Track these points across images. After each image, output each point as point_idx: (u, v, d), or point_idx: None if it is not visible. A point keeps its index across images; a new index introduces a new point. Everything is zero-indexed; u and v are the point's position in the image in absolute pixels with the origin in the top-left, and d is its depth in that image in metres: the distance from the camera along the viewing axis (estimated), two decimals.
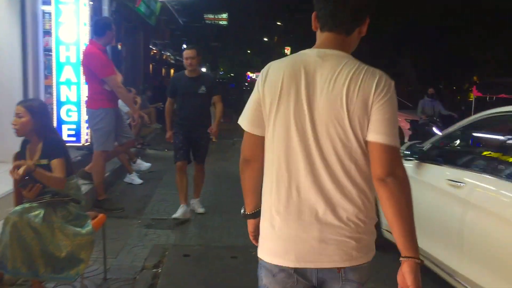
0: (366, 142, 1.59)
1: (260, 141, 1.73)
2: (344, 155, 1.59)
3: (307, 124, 1.60)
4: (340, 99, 1.57)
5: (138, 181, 7.45)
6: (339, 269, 1.63)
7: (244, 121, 1.75)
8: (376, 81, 1.58)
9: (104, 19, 5.94)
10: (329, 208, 1.60)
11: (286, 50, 51.34)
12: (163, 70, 25.84)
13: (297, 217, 1.63)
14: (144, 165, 8.20)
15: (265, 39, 56.63)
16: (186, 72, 5.71)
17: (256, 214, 1.87)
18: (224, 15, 32.04)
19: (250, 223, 1.93)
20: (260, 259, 1.76)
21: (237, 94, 33.13)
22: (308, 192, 1.62)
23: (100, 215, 3.89)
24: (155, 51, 21.74)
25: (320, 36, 1.71)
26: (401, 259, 1.58)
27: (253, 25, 45.21)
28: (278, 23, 47.64)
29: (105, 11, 9.83)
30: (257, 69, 75.79)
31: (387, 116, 1.56)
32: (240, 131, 1.81)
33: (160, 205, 6.55)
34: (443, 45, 24.86)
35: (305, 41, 38.21)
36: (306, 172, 1.61)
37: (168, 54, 26.67)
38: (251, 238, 1.97)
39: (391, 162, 1.56)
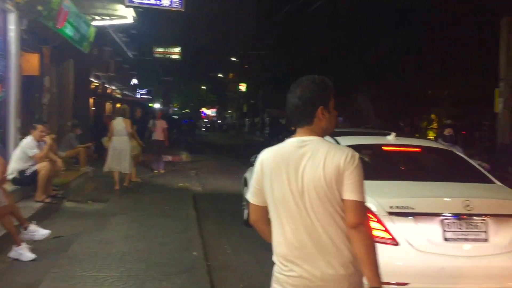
0: (342, 200, 2.06)
1: (262, 209, 2.25)
2: (325, 212, 2.07)
3: (298, 191, 2.09)
4: (319, 173, 2.06)
5: (28, 256, 5.20)
6: None
7: (249, 193, 2.30)
8: (344, 154, 2.07)
9: None
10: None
11: (241, 87, 50.12)
12: (108, 105, 23.53)
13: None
14: (39, 232, 5.87)
15: (220, 75, 55.27)
16: None
17: None
18: (177, 49, 30.16)
19: None
20: None
21: (188, 131, 31.11)
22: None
23: None
24: (96, 84, 19.49)
25: (296, 129, 2.21)
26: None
27: (207, 60, 43.75)
28: (233, 59, 46.39)
29: (11, 31, 7.72)
30: (212, 105, 74.28)
31: (357, 180, 2.04)
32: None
33: None
34: (401, 82, 24.13)
35: (260, 77, 36.63)
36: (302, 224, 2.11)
37: (114, 88, 24.41)
38: None
39: (359, 214, 2.03)
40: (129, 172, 9.89)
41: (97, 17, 11.85)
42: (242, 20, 38.88)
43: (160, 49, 29.48)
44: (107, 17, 11.97)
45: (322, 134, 2.18)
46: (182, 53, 31.23)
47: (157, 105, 39.49)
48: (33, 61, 9.32)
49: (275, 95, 35.66)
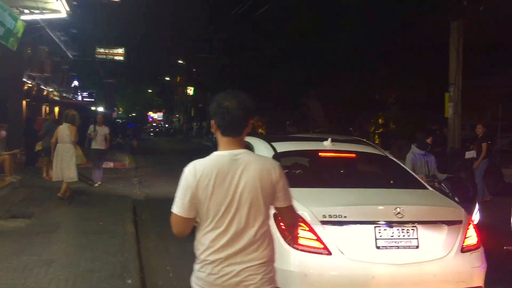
0: (275, 208, 2.48)
1: (190, 221, 2.38)
2: (261, 219, 2.38)
3: (235, 201, 2.33)
4: (255, 185, 2.34)
5: None
6: None
7: (179, 208, 2.35)
8: (274, 167, 2.40)
9: None
10: None
11: (188, 90, 49.02)
12: (46, 108, 21.91)
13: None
14: None
15: (167, 78, 53.85)
16: None
17: None
18: (120, 50, 28.80)
19: None
20: None
21: (134, 135, 29.80)
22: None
23: None
24: (30, 85, 17.99)
25: (223, 140, 2.39)
26: None
27: (154, 63, 42.37)
28: (181, 62, 45.15)
29: None
30: (159, 109, 72.43)
31: (286, 189, 2.44)
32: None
33: None
34: (350, 87, 24.03)
35: (208, 81, 35.37)
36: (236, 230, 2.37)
37: (51, 90, 22.79)
38: None
39: (295, 216, 2.60)
40: (74, 180, 9.46)
41: (25, 10, 10.63)
42: (190, 22, 37.89)
43: (102, 50, 27.96)
44: (37, 11, 10.76)
45: (243, 145, 2.43)
46: (126, 55, 29.84)
47: (100, 109, 37.65)
48: None
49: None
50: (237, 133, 2.37)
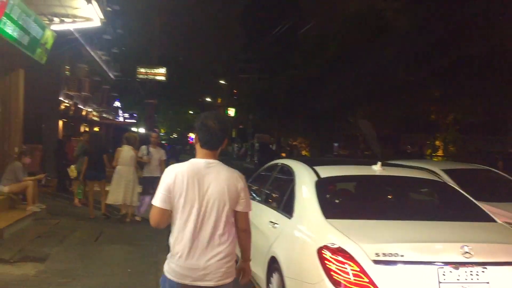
0: (235, 211, 2.83)
1: (167, 213, 2.76)
2: (224, 218, 2.77)
3: (204, 200, 2.73)
4: (223, 189, 2.76)
5: None
6: None
7: (157, 200, 2.75)
8: (240, 178, 2.81)
9: None
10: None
11: (229, 112, 48.03)
12: (84, 129, 20.92)
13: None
14: None
15: (208, 99, 53.12)
16: None
17: None
18: (162, 70, 27.87)
19: None
20: None
21: (172, 156, 28.74)
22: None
23: None
24: (67, 104, 16.96)
25: (202, 151, 2.83)
26: (242, 262, 3.01)
27: (195, 84, 41.54)
28: (221, 82, 44.18)
29: None
30: None
31: (248, 198, 2.84)
32: None
33: None
34: (400, 107, 22.02)
35: (249, 102, 33.47)
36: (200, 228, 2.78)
37: (90, 110, 21.86)
38: None
39: (248, 221, 2.90)
40: (136, 205, 9.21)
41: (55, 19, 9.41)
42: (232, 43, 36.88)
43: (143, 70, 27.07)
44: (68, 19, 9.52)
45: (217, 156, 2.88)
46: (168, 75, 28.83)
47: (141, 130, 36.99)
48: None
49: (265, 119, 33.50)
50: (215, 148, 2.81)
